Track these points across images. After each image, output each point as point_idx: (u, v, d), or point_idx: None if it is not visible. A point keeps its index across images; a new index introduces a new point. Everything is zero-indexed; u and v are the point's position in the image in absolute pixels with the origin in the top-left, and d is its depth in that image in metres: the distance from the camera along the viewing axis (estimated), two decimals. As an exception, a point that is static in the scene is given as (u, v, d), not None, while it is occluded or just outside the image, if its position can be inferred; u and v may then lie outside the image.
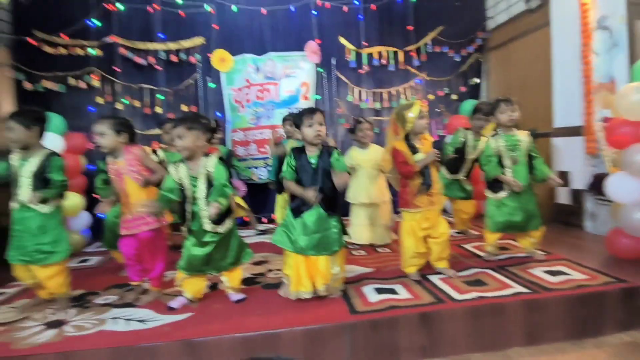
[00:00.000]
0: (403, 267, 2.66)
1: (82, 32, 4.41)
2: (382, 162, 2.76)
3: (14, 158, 2.41)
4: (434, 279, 2.56)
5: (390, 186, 3.21)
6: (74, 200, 3.65)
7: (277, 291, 2.47)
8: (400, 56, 4.97)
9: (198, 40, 4.71)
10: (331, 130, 4.95)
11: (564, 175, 3.85)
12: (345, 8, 4.87)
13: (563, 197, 3.92)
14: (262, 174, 4.66)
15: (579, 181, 3.70)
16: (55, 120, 3.82)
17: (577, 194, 3.76)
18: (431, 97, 5.02)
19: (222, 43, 4.74)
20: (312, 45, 4.78)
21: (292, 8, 4.80)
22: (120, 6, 4.50)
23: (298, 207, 2.31)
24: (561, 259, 2.80)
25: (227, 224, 2.33)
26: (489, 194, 2.88)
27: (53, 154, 2.43)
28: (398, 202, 2.69)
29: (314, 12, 4.81)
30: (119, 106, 4.54)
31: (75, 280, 2.67)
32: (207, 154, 2.32)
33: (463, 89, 5.08)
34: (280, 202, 3.79)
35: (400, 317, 2.11)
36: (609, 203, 3.21)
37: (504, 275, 2.56)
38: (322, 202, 2.27)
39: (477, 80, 5.11)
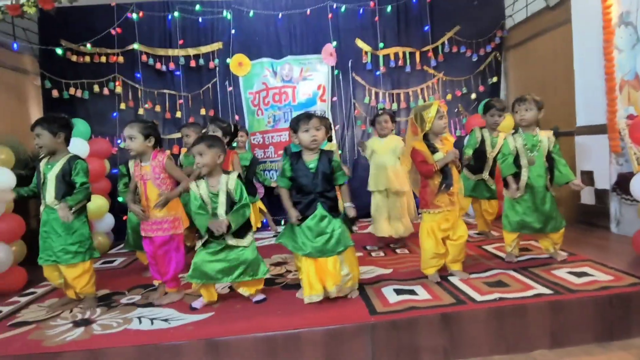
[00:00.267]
0: (422, 268, 2.64)
1: (105, 41, 4.55)
2: (402, 161, 2.76)
3: (42, 163, 2.51)
4: (454, 280, 2.54)
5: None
6: (98, 203, 3.76)
7: (296, 294, 2.49)
8: (417, 57, 4.95)
9: (216, 46, 4.80)
10: (348, 132, 4.97)
11: (588, 174, 3.76)
12: (361, 10, 4.89)
13: (587, 197, 3.83)
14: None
15: (604, 181, 3.61)
16: (80, 125, 3.94)
17: (601, 194, 3.67)
18: (449, 97, 4.98)
19: (240, 48, 4.82)
20: (328, 48, 4.81)
21: (308, 11, 4.84)
22: (141, 15, 4.62)
23: (300, 212, 2.31)
24: (585, 260, 2.74)
25: (249, 237, 2.37)
26: (505, 192, 2.85)
27: (76, 157, 2.51)
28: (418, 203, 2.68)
29: (330, 15, 4.84)
30: (141, 111, 4.66)
31: (100, 280, 2.75)
32: (226, 172, 2.38)
33: (482, 88, 5.03)
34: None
35: (421, 318, 2.10)
36: (635, 203, 3.13)
37: (526, 276, 2.52)
38: (323, 204, 2.29)
39: (496, 80, 5.05)
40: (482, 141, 3.42)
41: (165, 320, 2.24)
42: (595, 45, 3.59)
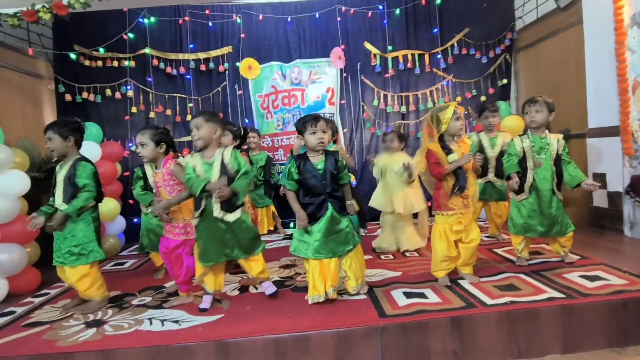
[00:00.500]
0: (432, 271, 2.63)
1: (117, 45, 4.62)
2: (416, 164, 2.76)
3: (58, 166, 2.56)
4: (465, 283, 2.52)
5: (425, 190, 3.17)
6: (110, 205, 3.81)
7: (305, 296, 2.49)
8: (426, 59, 4.94)
9: (226, 50, 4.84)
10: (357, 134, 4.97)
11: (600, 177, 3.71)
12: (369, 13, 4.90)
13: (599, 200, 3.78)
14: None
15: (616, 183, 3.56)
16: (92, 129, 4.01)
17: (614, 197, 3.62)
18: (459, 99, 4.96)
19: (249, 51, 4.86)
20: (337, 51, 4.83)
21: (317, 15, 4.86)
22: (152, 19, 4.69)
23: (312, 213, 2.32)
24: (598, 264, 2.71)
25: (237, 213, 2.33)
26: (512, 195, 2.82)
27: (82, 159, 2.53)
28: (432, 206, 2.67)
29: (338, 18, 4.86)
30: (152, 115, 4.72)
31: (112, 281, 2.78)
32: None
33: (491, 90, 5.00)
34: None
35: (430, 321, 2.09)
36: (649, 206, 3.08)
37: (537, 280, 2.49)
38: (333, 204, 2.32)
39: (505, 81, 5.01)
40: (480, 144, 3.43)
41: (176, 321, 2.25)
42: (607, 46, 3.55)
